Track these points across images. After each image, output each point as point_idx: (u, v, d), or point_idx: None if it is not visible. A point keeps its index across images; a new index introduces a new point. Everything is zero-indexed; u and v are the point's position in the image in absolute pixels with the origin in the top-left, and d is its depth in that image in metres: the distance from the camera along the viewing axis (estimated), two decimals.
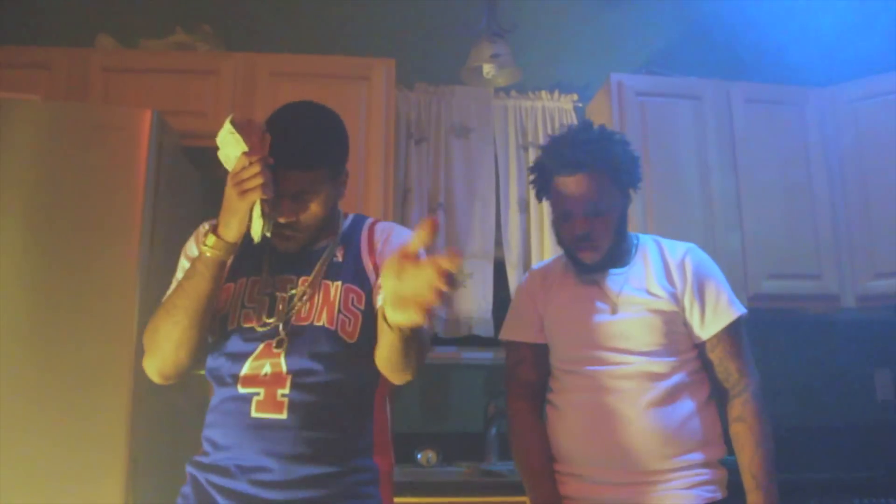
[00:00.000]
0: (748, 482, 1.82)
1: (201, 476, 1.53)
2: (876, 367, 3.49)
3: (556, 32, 3.58)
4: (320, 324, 1.52)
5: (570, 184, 1.88)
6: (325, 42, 3.31)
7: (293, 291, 1.55)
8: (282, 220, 1.51)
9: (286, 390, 1.47)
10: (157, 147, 2.35)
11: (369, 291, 1.57)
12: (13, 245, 2.21)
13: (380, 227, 1.68)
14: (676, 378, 1.85)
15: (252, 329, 1.52)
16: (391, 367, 1.48)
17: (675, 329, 1.88)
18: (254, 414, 1.47)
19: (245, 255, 1.58)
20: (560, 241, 1.99)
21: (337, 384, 1.51)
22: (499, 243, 3.32)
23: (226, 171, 2.96)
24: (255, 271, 1.59)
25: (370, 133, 2.92)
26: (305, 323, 1.52)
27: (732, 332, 1.91)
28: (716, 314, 1.90)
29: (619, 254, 1.95)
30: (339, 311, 1.53)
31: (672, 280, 1.92)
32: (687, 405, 1.84)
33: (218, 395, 1.57)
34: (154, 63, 2.94)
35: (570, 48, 3.57)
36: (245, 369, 1.50)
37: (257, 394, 1.48)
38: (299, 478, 1.45)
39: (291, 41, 3.27)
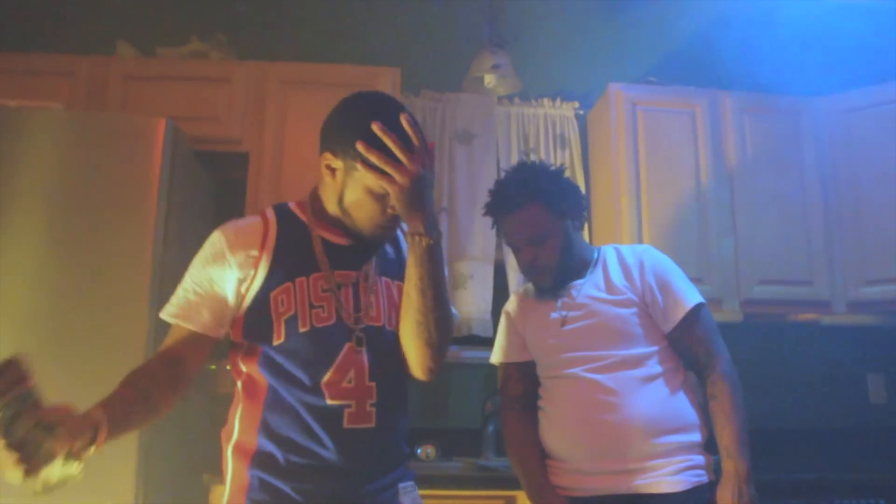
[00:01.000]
0: (722, 454, 1.96)
1: (276, 481, 1.48)
2: (869, 372, 3.55)
3: (558, 41, 3.67)
4: (391, 329, 1.55)
5: (510, 221, 2.11)
6: (333, 51, 3.42)
7: (354, 284, 1.54)
8: (387, 221, 1.51)
9: (374, 400, 1.50)
10: (171, 152, 2.47)
11: None
12: (36, 245, 2.34)
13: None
14: (649, 367, 2.00)
15: (327, 330, 1.50)
16: (419, 338, 1.50)
17: (639, 322, 2.03)
18: (346, 426, 1.47)
19: (292, 253, 1.53)
20: (520, 269, 2.20)
21: (401, 381, 1.59)
22: (499, 246, 3.40)
23: (238, 172, 3.04)
24: (310, 268, 1.53)
25: None
26: (378, 325, 1.54)
27: (693, 319, 2.05)
28: (675, 306, 2.05)
29: (574, 270, 2.13)
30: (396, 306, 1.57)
31: (631, 279, 2.09)
32: (661, 391, 1.99)
33: (289, 396, 1.50)
34: (170, 71, 3.07)
35: (572, 57, 3.66)
36: (328, 375, 1.48)
37: (349, 406, 1.48)
38: (378, 476, 1.52)
39: (301, 50, 3.39)
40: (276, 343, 1.49)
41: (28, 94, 2.73)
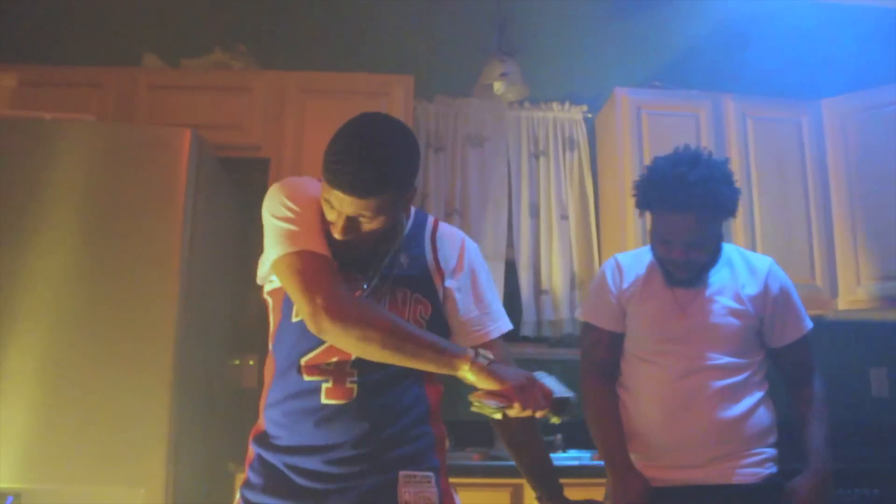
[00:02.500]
0: (812, 453, 2.07)
1: (269, 456, 1.53)
2: (871, 366, 3.64)
3: (566, 46, 3.77)
4: None
5: (673, 220, 2.01)
6: (349, 60, 3.55)
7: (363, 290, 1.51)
8: (337, 237, 1.46)
9: (354, 378, 1.49)
10: (196, 161, 2.60)
11: (436, 305, 1.58)
12: (69, 251, 2.47)
13: (445, 236, 1.66)
14: (744, 376, 2.06)
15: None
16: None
17: (748, 334, 2.09)
18: (324, 400, 1.48)
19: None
20: (654, 253, 2.14)
21: (399, 380, 1.53)
22: (510, 245, 3.53)
23: (259, 177, 3.18)
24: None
25: None
26: None
27: (804, 342, 2.16)
28: (794, 328, 2.14)
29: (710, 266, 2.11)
30: (408, 321, 1.52)
31: (756, 289, 2.11)
32: (751, 400, 2.05)
33: (282, 375, 1.54)
34: (193, 81, 3.23)
35: (580, 62, 3.76)
36: (309, 356, 1.50)
37: (326, 381, 1.49)
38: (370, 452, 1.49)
39: (318, 60, 3.52)
40: (293, 320, 1.52)
41: (59, 105, 2.88)
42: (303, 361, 1.51)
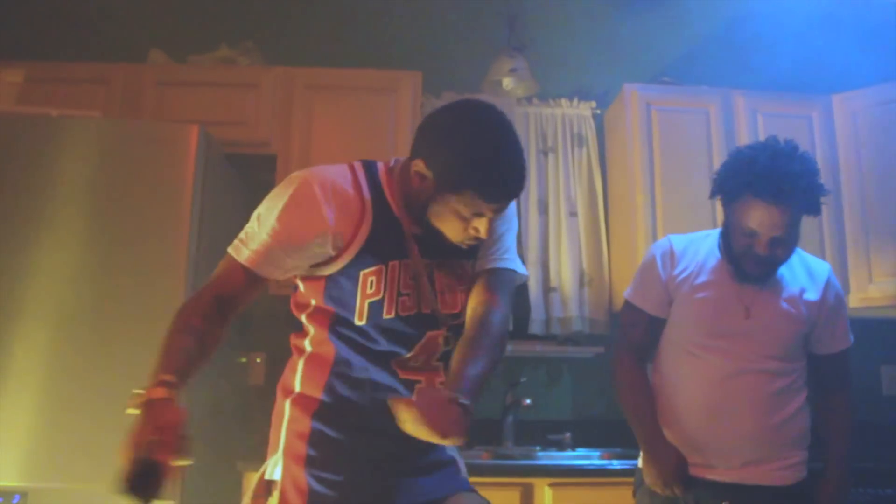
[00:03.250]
0: (836, 458, 2.09)
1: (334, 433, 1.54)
2: (883, 364, 3.60)
3: (575, 42, 3.75)
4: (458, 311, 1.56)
5: (767, 212, 1.91)
6: (357, 56, 3.53)
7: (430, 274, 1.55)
8: (471, 239, 1.50)
9: (442, 379, 1.54)
10: (203, 157, 2.59)
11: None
12: (76, 248, 2.47)
13: None
14: (789, 381, 2.04)
15: (409, 318, 1.52)
16: None
17: (800, 339, 2.07)
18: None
19: (385, 237, 1.52)
20: (729, 244, 2.04)
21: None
22: (518, 242, 3.48)
23: (267, 174, 3.19)
24: (401, 253, 1.53)
25: (398, 141, 3.14)
26: (455, 311, 1.56)
27: (847, 353, 2.15)
28: (842, 339, 2.14)
29: None
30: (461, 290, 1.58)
31: (814, 295, 2.08)
32: (793, 405, 2.04)
33: (359, 370, 1.53)
34: (200, 77, 3.21)
35: (589, 57, 3.74)
36: (402, 357, 1.54)
37: (419, 382, 1.53)
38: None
39: (326, 55, 3.49)
40: (357, 323, 1.50)
41: (65, 101, 2.87)
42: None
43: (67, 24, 3.57)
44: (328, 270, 1.52)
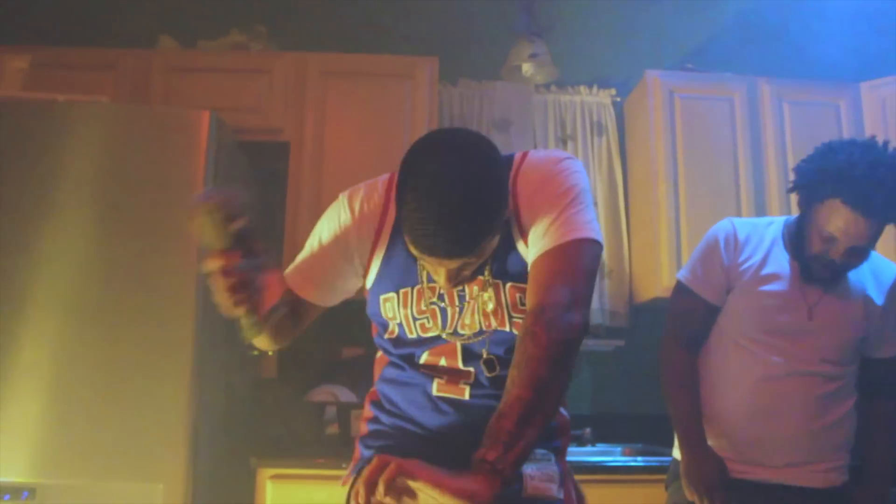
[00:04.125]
0: (879, 465, 2.01)
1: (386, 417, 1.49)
2: None
3: (594, 28, 3.65)
4: (504, 328, 1.38)
5: (854, 221, 1.81)
6: (371, 41, 3.44)
7: (458, 292, 1.39)
8: (445, 289, 1.36)
9: (470, 380, 1.40)
10: (215, 143, 2.50)
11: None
12: (85, 235, 2.39)
13: (521, 181, 1.36)
14: (839, 385, 1.96)
15: (425, 337, 1.43)
16: None
17: (857, 344, 1.98)
18: (435, 393, 1.41)
19: (399, 258, 1.42)
20: (802, 244, 1.94)
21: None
22: None
23: (280, 162, 3.12)
24: (412, 279, 1.42)
25: (414, 128, 3.05)
26: (467, 332, 1.40)
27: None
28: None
29: None
30: (510, 314, 1.37)
31: (879, 300, 1.98)
32: (842, 409, 1.96)
33: (398, 369, 1.49)
34: (211, 63, 3.13)
35: (609, 44, 3.65)
36: (426, 356, 1.44)
37: (440, 377, 1.42)
38: None
39: (340, 41, 3.40)
40: (387, 336, 1.48)
41: (73, 88, 2.79)
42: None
43: (74, 8, 3.49)
44: (365, 286, 1.51)
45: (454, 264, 1.25)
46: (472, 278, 1.36)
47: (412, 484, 1.06)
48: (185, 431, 2.32)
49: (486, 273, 1.36)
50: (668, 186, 3.13)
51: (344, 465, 2.56)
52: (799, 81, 3.33)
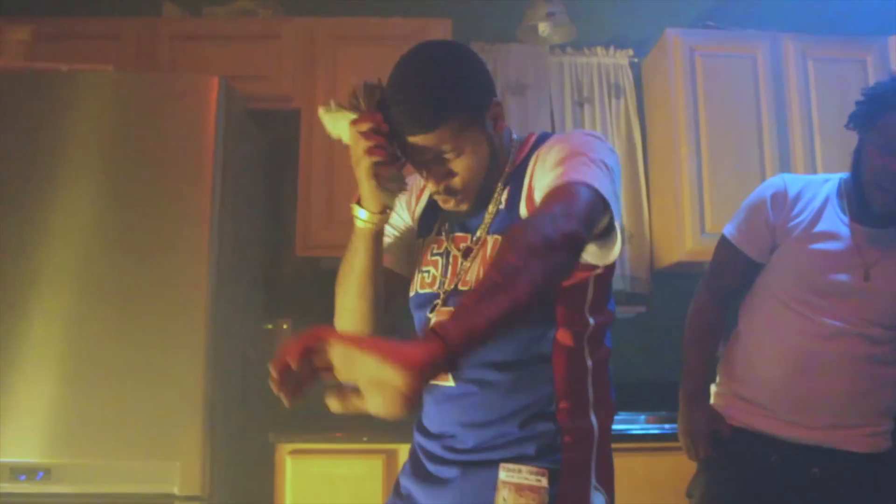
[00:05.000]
0: None
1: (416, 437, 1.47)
2: None
3: None
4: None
5: None
6: (382, 4, 3.32)
7: (461, 250, 1.37)
8: (433, 189, 1.34)
9: None
10: (225, 111, 2.44)
11: None
12: (92, 212, 2.33)
13: (542, 148, 1.36)
14: (889, 349, 1.86)
15: (424, 294, 1.39)
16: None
17: None
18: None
19: (430, 210, 1.47)
20: (859, 174, 1.87)
21: (504, 348, 1.29)
22: None
23: (291, 130, 3.03)
24: (431, 229, 1.45)
25: None
26: (467, 287, 1.32)
27: None
28: None
29: None
30: None
31: (883, 274, 1.87)
32: (887, 372, 1.86)
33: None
34: (218, 30, 3.04)
35: (625, 3, 3.53)
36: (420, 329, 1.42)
37: None
38: (480, 442, 1.32)
39: (349, 4, 3.28)
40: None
41: (76, 58, 2.70)
42: None
43: None
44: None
45: (429, 144, 1.26)
46: (469, 221, 1.37)
47: (340, 350, 0.90)
48: (200, 408, 2.28)
49: (483, 228, 1.36)
50: (689, 148, 3.04)
51: (365, 439, 2.54)
52: (823, 37, 3.22)
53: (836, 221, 1.89)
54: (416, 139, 1.25)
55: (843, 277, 1.84)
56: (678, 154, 3.06)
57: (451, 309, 1.30)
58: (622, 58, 3.47)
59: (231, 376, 2.53)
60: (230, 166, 2.49)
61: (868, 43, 3.20)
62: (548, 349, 1.31)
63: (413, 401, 0.87)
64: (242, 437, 2.64)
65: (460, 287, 1.33)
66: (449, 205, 1.35)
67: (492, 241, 1.33)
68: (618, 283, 3.24)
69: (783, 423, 1.86)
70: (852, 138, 3.07)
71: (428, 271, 1.40)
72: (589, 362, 1.35)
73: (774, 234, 1.93)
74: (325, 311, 3.20)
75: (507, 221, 1.33)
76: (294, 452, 2.53)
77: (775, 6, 3.46)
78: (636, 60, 3.48)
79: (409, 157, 1.31)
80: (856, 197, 1.88)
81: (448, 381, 1.33)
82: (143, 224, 2.34)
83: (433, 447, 1.38)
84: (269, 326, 3.16)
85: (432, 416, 1.40)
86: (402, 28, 3.05)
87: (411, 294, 1.43)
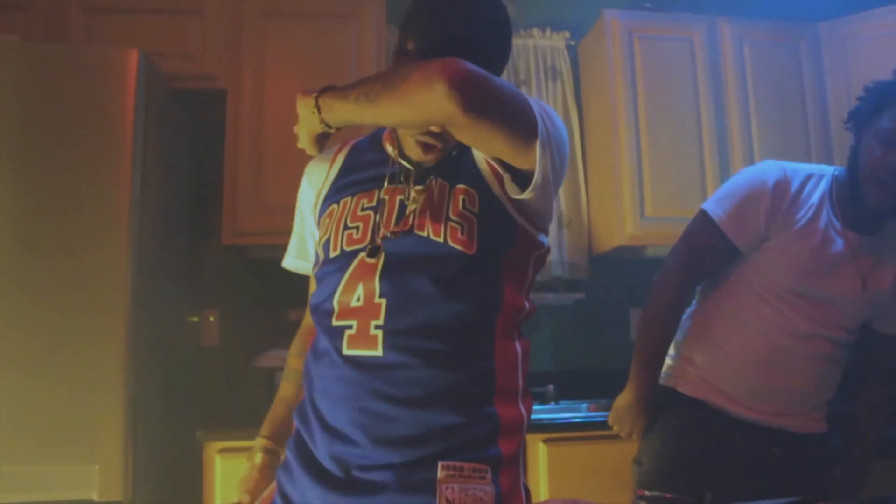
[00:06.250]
0: (865, 447, 1.99)
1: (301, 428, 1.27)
2: None
3: None
4: (423, 234, 1.20)
5: None
6: None
7: (400, 199, 1.25)
8: (435, 129, 1.21)
9: (380, 321, 1.18)
10: (145, 89, 2.27)
11: (485, 190, 1.24)
12: (0, 191, 2.13)
13: None
14: (843, 351, 1.88)
15: (356, 252, 1.24)
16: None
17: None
18: (345, 351, 1.19)
19: (353, 172, 1.34)
20: (855, 167, 1.81)
21: (446, 311, 1.19)
22: None
23: (217, 111, 2.84)
24: (362, 187, 1.30)
25: (361, 73, 2.83)
26: (407, 230, 1.21)
27: None
28: None
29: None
30: (448, 216, 1.21)
31: (879, 281, 1.85)
32: (837, 372, 1.89)
33: (317, 336, 1.30)
34: (136, 3, 2.82)
35: None
36: (337, 295, 1.23)
37: (349, 326, 1.20)
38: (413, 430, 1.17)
39: None
40: (313, 272, 1.34)
41: None
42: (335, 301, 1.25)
43: None
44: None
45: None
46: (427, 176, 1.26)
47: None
48: (121, 407, 2.13)
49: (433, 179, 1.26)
50: (628, 130, 3.00)
51: None
52: (759, 21, 3.23)
53: (830, 225, 1.84)
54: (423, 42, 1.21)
55: (838, 285, 1.82)
56: (617, 138, 3.01)
57: (365, 268, 1.22)
58: (559, 40, 3.40)
59: (155, 373, 2.37)
60: (151, 148, 2.32)
61: (801, 28, 3.22)
62: (490, 330, 1.22)
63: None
64: (168, 436, 2.49)
65: (416, 231, 1.21)
66: (429, 153, 1.25)
67: (438, 187, 1.24)
68: (556, 270, 3.19)
69: (744, 407, 1.84)
70: (788, 121, 3.13)
71: (356, 227, 1.26)
72: (518, 349, 1.28)
73: (769, 226, 1.82)
74: (254, 302, 3.09)
75: (459, 172, 1.25)
76: (224, 451, 2.38)
77: None
78: (573, 43, 3.42)
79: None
80: (850, 196, 1.83)
81: (374, 350, 1.17)
82: (54, 212, 2.16)
83: (342, 446, 1.18)
84: (195, 319, 3.00)
85: (344, 398, 1.19)
86: (335, 5, 2.92)
87: (334, 253, 1.26)
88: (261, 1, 2.88)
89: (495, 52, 1.23)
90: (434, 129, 1.21)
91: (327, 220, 1.31)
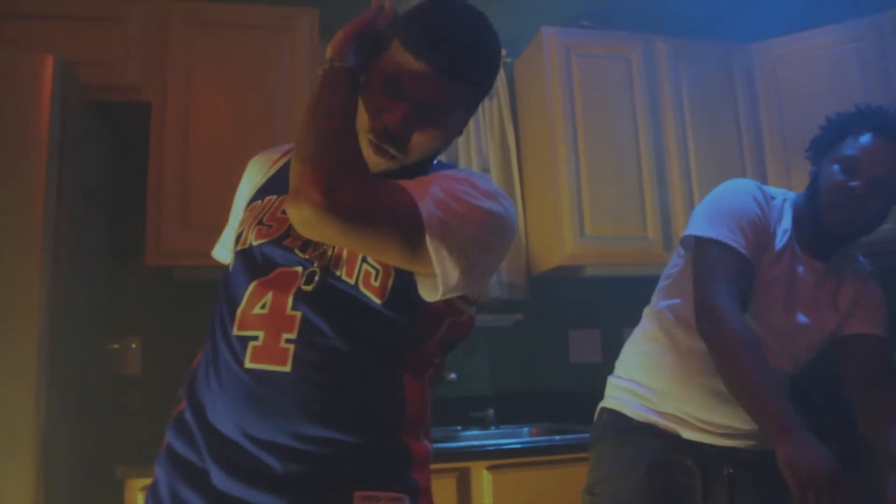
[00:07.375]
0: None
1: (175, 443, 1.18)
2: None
3: None
4: (337, 272, 1.11)
5: (883, 149, 1.72)
6: None
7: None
8: (392, 128, 1.11)
9: (293, 335, 1.09)
10: (62, 98, 2.11)
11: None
12: None
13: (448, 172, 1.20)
14: (796, 372, 1.88)
15: (262, 247, 1.15)
16: None
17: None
18: (248, 364, 1.09)
19: (283, 174, 1.20)
20: (815, 195, 1.79)
21: (352, 355, 1.09)
22: None
23: (139, 128, 2.70)
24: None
25: (293, 87, 2.74)
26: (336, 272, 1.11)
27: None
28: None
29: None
30: (364, 259, 1.11)
31: (846, 299, 1.84)
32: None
33: (208, 340, 1.22)
34: (52, 9, 2.65)
35: (498, 1, 3.44)
36: (244, 300, 1.13)
37: (255, 338, 1.10)
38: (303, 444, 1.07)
39: None
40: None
41: None
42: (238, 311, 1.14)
43: None
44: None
45: (433, 91, 1.10)
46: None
47: None
48: (32, 444, 1.95)
49: None
50: (567, 148, 2.97)
51: None
52: (693, 40, 3.26)
53: (797, 254, 1.82)
54: (433, 80, 1.09)
55: (803, 317, 1.80)
56: (555, 156, 2.97)
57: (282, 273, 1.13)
58: None
59: (70, 405, 2.20)
60: (68, 163, 2.17)
61: (733, 48, 3.27)
62: (399, 368, 1.14)
63: None
64: (86, 473, 2.32)
65: (331, 268, 1.12)
66: (380, 156, 1.13)
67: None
68: (495, 291, 3.12)
69: (694, 429, 1.80)
70: (722, 138, 3.15)
71: (270, 226, 1.16)
72: (427, 389, 1.19)
73: (757, 251, 1.76)
74: (180, 327, 2.91)
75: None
76: (147, 489, 2.21)
77: (647, 6, 3.47)
78: (509, 60, 3.38)
79: (402, 85, 1.11)
80: (811, 223, 1.81)
81: (283, 367, 1.07)
82: None
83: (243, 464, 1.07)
84: (115, 346, 2.82)
85: (229, 409, 1.09)
86: (266, 17, 2.81)
87: (241, 247, 1.18)
88: (188, 11, 2.75)
89: (494, 77, 1.21)
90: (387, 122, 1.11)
91: (248, 214, 1.25)
